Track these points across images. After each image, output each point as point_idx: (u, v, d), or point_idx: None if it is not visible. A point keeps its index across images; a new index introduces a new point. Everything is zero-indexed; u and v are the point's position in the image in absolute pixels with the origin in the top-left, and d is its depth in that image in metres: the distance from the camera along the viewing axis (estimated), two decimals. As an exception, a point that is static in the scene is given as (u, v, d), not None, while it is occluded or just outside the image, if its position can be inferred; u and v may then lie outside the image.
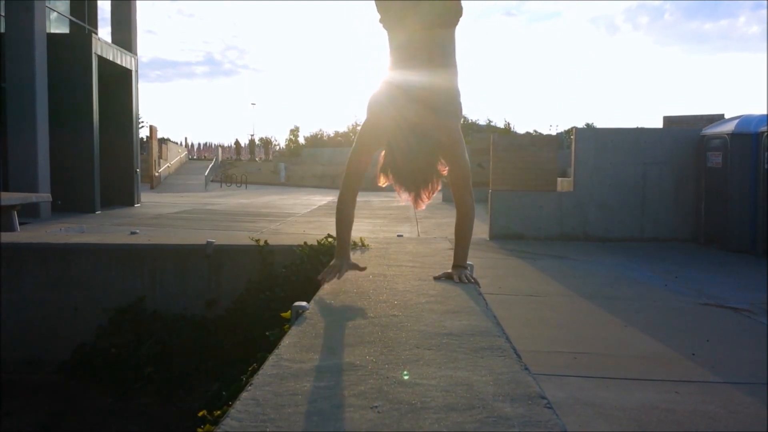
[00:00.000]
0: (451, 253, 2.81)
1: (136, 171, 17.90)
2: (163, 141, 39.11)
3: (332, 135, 52.16)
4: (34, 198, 11.14)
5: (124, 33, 17.98)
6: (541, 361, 4.20)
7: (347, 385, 1.41)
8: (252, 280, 4.58)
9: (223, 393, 2.75)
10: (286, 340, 1.77)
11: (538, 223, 10.87)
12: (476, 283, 2.65)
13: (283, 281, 4.29)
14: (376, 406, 1.28)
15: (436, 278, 2.72)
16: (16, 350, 4.71)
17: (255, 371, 1.60)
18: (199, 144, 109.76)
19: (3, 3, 13.70)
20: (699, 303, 6.15)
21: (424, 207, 2.61)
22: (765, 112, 9.73)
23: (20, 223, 9.37)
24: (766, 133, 9.24)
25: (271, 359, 1.60)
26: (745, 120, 9.82)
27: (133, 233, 6.45)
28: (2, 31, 13.57)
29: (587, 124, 40.15)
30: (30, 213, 12.14)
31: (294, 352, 1.65)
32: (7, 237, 5.31)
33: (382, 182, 2.58)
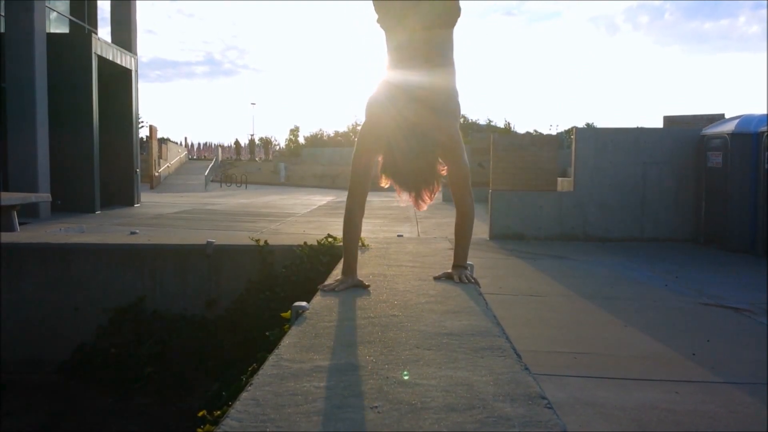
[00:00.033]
0: (451, 253, 2.81)
1: (136, 171, 17.90)
2: (163, 141, 39.10)
3: (332, 135, 52.15)
4: (33, 198, 11.13)
5: (124, 33, 17.98)
6: (541, 361, 4.20)
7: (347, 386, 1.41)
8: (252, 280, 4.58)
9: (223, 393, 2.75)
10: (286, 340, 1.77)
11: (538, 223, 10.87)
12: (476, 283, 2.65)
13: (283, 281, 4.29)
14: (377, 407, 1.28)
15: (436, 278, 2.72)
16: (16, 350, 4.70)
17: (255, 371, 1.60)
18: (199, 144, 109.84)
19: (3, 3, 13.70)
20: (699, 303, 6.15)
21: (425, 207, 2.60)
22: (765, 112, 9.74)
23: (20, 223, 9.37)
24: (766, 133, 9.24)
25: (271, 359, 1.60)
26: (745, 120, 9.82)
27: (133, 233, 6.45)
28: (2, 31, 13.57)
29: (587, 124, 40.13)
30: (30, 213, 12.13)
31: (294, 352, 1.65)
32: (6, 237, 5.31)
33: (385, 183, 2.57)
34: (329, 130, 57.03)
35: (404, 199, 2.60)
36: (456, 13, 2.58)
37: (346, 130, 50.56)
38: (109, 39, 17.40)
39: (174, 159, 41.70)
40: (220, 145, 70.94)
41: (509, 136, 15.35)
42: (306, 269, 4.22)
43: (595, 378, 3.99)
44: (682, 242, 10.59)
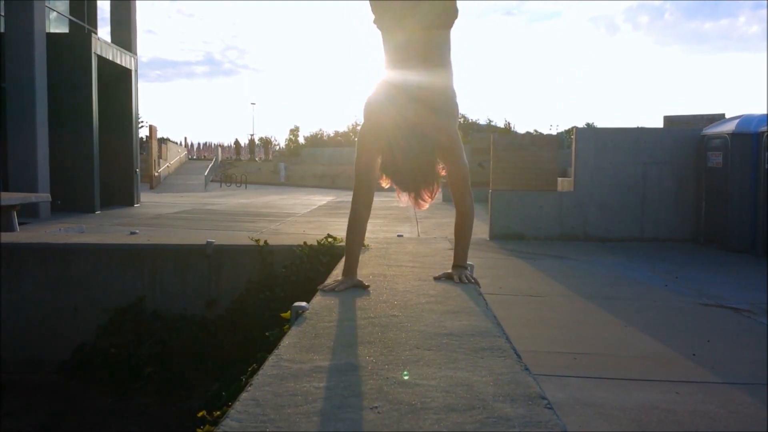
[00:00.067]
0: (451, 253, 2.81)
1: (136, 171, 17.90)
2: (163, 141, 39.10)
3: (332, 135, 52.17)
4: (33, 198, 11.13)
5: (124, 33, 17.98)
6: (541, 361, 4.20)
7: (347, 386, 1.40)
8: (252, 280, 4.58)
9: (223, 393, 2.74)
10: (285, 341, 1.77)
11: (538, 223, 10.87)
12: (476, 283, 2.65)
13: (283, 281, 4.29)
14: (376, 407, 1.27)
15: (436, 278, 2.72)
16: (16, 350, 4.70)
17: (255, 372, 1.60)
18: (199, 144, 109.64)
19: (3, 3, 13.69)
20: (699, 303, 6.15)
21: (427, 206, 2.59)
22: (765, 112, 9.74)
23: (20, 223, 9.37)
24: (766, 133, 9.24)
25: (271, 360, 1.59)
26: (745, 120, 9.82)
27: (132, 233, 6.45)
28: (2, 30, 13.57)
29: (587, 124, 40.12)
30: (29, 213, 12.13)
31: (294, 353, 1.65)
32: (6, 237, 5.31)
33: (385, 183, 2.57)
34: (329, 130, 57.09)
35: (404, 199, 2.60)
36: (454, 14, 2.59)
37: (346, 130, 50.60)
38: (108, 39, 17.41)
39: (174, 159, 41.70)
40: (219, 145, 70.93)
41: (509, 136, 15.35)
42: (306, 269, 4.22)
43: (595, 378, 3.99)
44: (682, 242, 10.59)
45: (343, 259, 2.65)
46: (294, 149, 50.35)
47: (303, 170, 39.20)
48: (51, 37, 14.30)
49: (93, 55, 14.97)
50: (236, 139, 69.98)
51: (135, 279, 4.81)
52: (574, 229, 10.83)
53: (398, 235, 5.26)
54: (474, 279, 2.68)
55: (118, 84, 17.28)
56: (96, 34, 17.33)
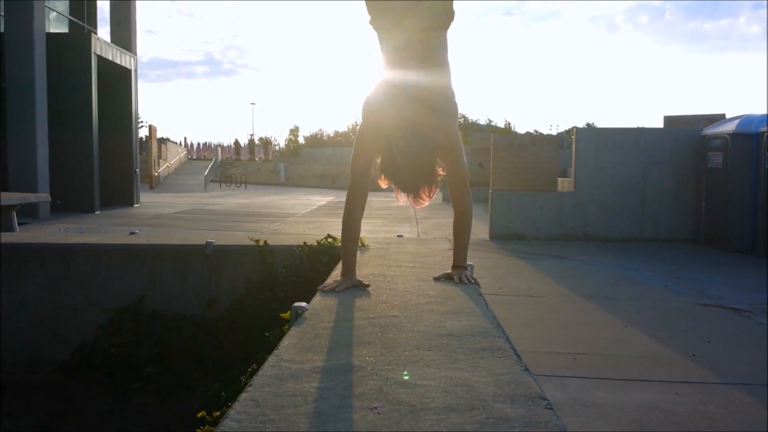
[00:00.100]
0: (451, 253, 2.81)
1: (136, 171, 17.89)
2: (163, 141, 39.10)
3: (332, 135, 52.20)
4: (33, 198, 11.13)
5: (124, 33, 17.97)
6: (541, 361, 4.20)
7: (347, 386, 1.40)
8: (252, 281, 4.58)
9: (223, 393, 2.74)
10: (285, 341, 1.77)
11: (538, 223, 10.87)
12: (476, 283, 2.65)
13: (283, 281, 4.29)
14: (376, 407, 1.27)
15: (436, 279, 2.72)
16: (16, 350, 4.70)
17: (254, 372, 1.60)
18: (199, 144, 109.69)
19: (3, 3, 13.69)
20: (699, 303, 6.15)
21: (426, 204, 2.59)
22: (765, 112, 9.74)
23: (19, 224, 9.37)
24: (766, 134, 9.23)
25: (271, 360, 1.59)
26: (745, 120, 9.82)
27: (132, 233, 6.45)
28: (2, 30, 13.57)
29: (588, 124, 40.13)
30: (29, 213, 12.13)
31: (293, 353, 1.65)
32: (6, 237, 5.31)
33: (384, 184, 2.57)
34: (329, 130, 57.14)
35: (402, 199, 2.59)
36: (451, 15, 2.60)
37: (346, 130, 50.60)
38: (108, 39, 17.41)
39: (173, 159, 41.71)
40: (219, 145, 70.91)
41: (509, 136, 15.35)
42: (306, 269, 4.22)
43: (594, 379, 3.98)
44: (682, 242, 10.59)
45: (342, 260, 2.65)
46: (294, 149, 50.36)
47: (303, 170, 39.20)
48: (51, 37, 14.30)
49: (93, 55, 14.97)
50: (236, 139, 70.04)
51: (135, 279, 4.81)
52: (574, 230, 10.83)
53: (398, 236, 5.26)
54: (474, 279, 2.67)
55: (118, 84, 17.28)
56: (96, 34, 17.33)
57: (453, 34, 2.65)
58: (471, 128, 33.77)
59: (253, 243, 4.66)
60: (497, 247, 9.94)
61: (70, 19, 17.10)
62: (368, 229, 11.27)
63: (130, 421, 4.40)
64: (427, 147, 2.45)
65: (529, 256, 9.00)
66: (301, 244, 4.45)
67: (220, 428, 1.18)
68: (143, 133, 32.15)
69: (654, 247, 10.05)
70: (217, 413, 2.00)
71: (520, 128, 43.21)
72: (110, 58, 16.05)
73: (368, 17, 2.65)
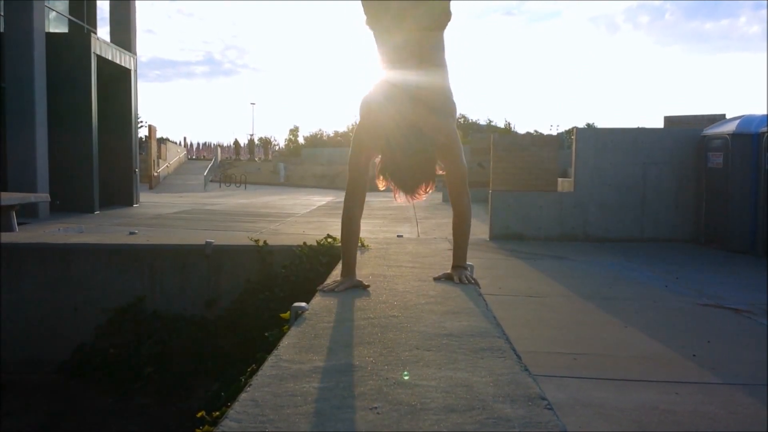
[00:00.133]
0: (451, 253, 2.81)
1: (135, 171, 17.89)
2: (162, 141, 39.09)
3: (332, 135, 52.21)
4: (32, 198, 11.13)
5: (123, 32, 17.97)
6: (541, 361, 4.20)
7: (347, 386, 1.40)
8: (251, 281, 4.58)
9: (222, 393, 2.74)
10: (285, 341, 1.77)
11: (538, 223, 10.87)
12: (476, 283, 2.65)
13: (283, 281, 4.29)
14: (376, 407, 1.27)
15: (436, 279, 2.72)
16: (16, 350, 4.70)
17: (254, 372, 1.60)
18: (198, 144, 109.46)
19: (2, 3, 13.69)
20: (699, 303, 6.15)
21: (422, 198, 2.57)
22: (766, 113, 9.74)
23: (19, 224, 9.37)
24: (766, 134, 9.24)
25: (270, 360, 1.59)
26: (746, 120, 9.82)
27: (132, 233, 6.44)
28: (2, 30, 13.57)
29: (588, 124, 40.14)
30: (29, 213, 12.13)
31: (293, 353, 1.65)
32: (6, 237, 5.31)
33: (381, 185, 2.56)
34: (329, 130, 57.19)
35: (401, 198, 2.59)
36: (449, 15, 2.61)
37: (345, 130, 50.58)
38: (108, 39, 17.40)
39: (173, 159, 41.69)
40: (219, 145, 70.89)
41: (509, 136, 15.35)
42: (305, 269, 4.22)
43: (594, 379, 3.98)
44: (682, 242, 10.60)
45: (342, 260, 2.65)
46: (293, 149, 50.39)
47: (302, 170, 39.19)
48: (50, 36, 14.29)
49: (92, 55, 14.96)
50: (236, 139, 70.09)
51: (134, 279, 4.80)
52: (574, 230, 10.83)
53: (398, 236, 5.26)
54: (474, 279, 2.67)
55: (118, 84, 17.28)
56: (95, 33, 17.33)
57: (453, 34, 2.67)
58: (471, 128, 33.80)
59: (252, 243, 4.66)
60: (497, 247, 9.94)
61: (69, 19, 17.10)
62: (368, 229, 11.27)
63: (130, 421, 4.40)
64: (427, 145, 2.45)
65: (529, 256, 9.00)
66: (301, 244, 4.44)
67: (220, 428, 1.18)
68: (143, 133, 32.18)
69: (654, 247, 10.05)
70: (217, 413, 2.00)
71: (520, 128, 43.26)
72: (110, 58, 16.05)
73: (364, 17, 2.65)
